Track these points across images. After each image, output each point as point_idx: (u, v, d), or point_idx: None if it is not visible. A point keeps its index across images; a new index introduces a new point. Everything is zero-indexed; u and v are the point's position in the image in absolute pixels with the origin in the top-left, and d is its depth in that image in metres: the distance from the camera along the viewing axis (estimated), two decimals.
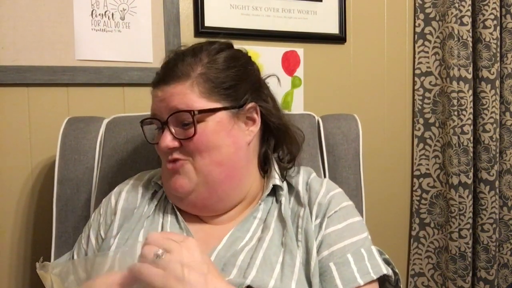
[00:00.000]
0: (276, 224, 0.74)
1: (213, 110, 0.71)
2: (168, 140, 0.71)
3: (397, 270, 0.74)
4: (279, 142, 0.83)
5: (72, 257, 0.82)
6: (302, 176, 0.81)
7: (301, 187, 0.79)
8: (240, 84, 0.75)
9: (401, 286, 0.75)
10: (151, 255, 0.56)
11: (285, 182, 0.80)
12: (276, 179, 0.78)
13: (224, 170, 0.73)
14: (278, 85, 0.87)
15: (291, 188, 0.80)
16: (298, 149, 0.83)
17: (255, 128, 0.77)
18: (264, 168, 0.82)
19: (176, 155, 0.72)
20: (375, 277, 0.69)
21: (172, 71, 0.72)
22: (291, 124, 0.83)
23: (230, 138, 0.73)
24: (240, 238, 0.72)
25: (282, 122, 0.81)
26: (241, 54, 0.80)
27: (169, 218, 0.76)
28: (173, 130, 0.72)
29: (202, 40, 0.82)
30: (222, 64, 0.74)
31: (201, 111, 0.70)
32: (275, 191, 0.79)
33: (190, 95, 0.70)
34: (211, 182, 0.72)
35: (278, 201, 0.77)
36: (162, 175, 0.78)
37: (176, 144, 0.72)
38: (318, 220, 0.74)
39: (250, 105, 0.75)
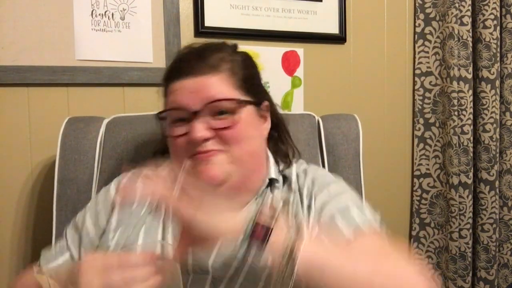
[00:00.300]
0: None
1: (248, 102, 0.75)
2: (202, 130, 0.70)
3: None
4: (280, 140, 0.86)
5: (66, 245, 0.81)
6: (295, 167, 0.84)
7: (293, 176, 0.81)
8: (257, 83, 0.80)
9: None
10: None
11: (280, 176, 0.82)
12: (272, 173, 0.80)
13: (255, 161, 0.76)
14: (279, 85, 0.90)
15: (285, 179, 0.82)
16: (293, 147, 0.87)
17: (268, 125, 0.81)
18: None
19: (210, 146, 0.71)
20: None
21: (204, 62, 0.73)
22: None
23: (258, 131, 0.77)
24: None
25: (283, 122, 0.86)
26: (250, 56, 0.83)
27: (170, 216, 0.76)
28: (207, 120, 0.71)
29: (202, 40, 0.82)
30: (241, 62, 0.77)
31: (241, 101, 0.73)
32: (271, 185, 0.80)
33: (226, 85, 0.73)
34: (244, 172, 0.73)
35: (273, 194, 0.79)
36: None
37: (209, 134, 0.71)
38: (307, 200, 0.76)
39: (265, 103, 0.80)
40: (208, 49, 0.76)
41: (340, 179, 0.83)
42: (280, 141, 0.86)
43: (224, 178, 0.72)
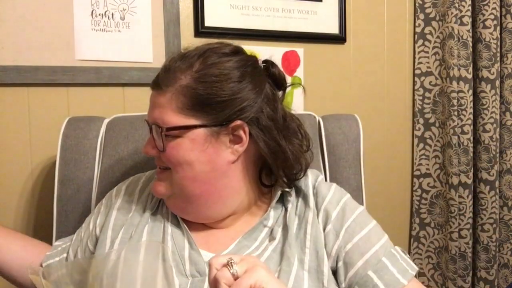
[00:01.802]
0: (282, 233, 0.73)
1: (187, 128, 0.68)
2: (148, 146, 0.74)
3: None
4: (273, 165, 0.73)
5: (69, 246, 0.84)
6: (310, 179, 0.79)
7: (308, 190, 0.77)
8: (230, 100, 0.68)
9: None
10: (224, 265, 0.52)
11: (293, 189, 0.78)
12: (284, 185, 0.76)
13: (199, 186, 0.71)
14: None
15: (299, 191, 0.78)
16: (300, 170, 0.77)
17: (241, 147, 0.71)
18: (271, 177, 0.78)
19: (158, 162, 0.75)
20: (413, 274, 0.70)
21: (159, 78, 0.72)
22: (295, 146, 0.75)
23: (206, 156, 0.69)
24: (246, 247, 0.72)
25: (278, 144, 0.72)
26: (246, 65, 0.72)
27: (170, 218, 0.76)
28: (155, 138, 0.72)
29: (202, 40, 0.82)
30: (216, 77, 0.69)
31: (170, 129, 0.69)
32: (283, 198, 0.77)
33: (167, 109, 0.69)
34: (186, 195, 0.72)
35: (286, 209, 0.76)
36: None
37: (154, 152, 0.73)
38: (329, 227, 0.72)
39: (236, 123, 0.69)
40: (178, 60, 0.71)
41: (363, 207, 0.77)
42: (276, 167, 0.73)
43: (166, 195, 0.74)
